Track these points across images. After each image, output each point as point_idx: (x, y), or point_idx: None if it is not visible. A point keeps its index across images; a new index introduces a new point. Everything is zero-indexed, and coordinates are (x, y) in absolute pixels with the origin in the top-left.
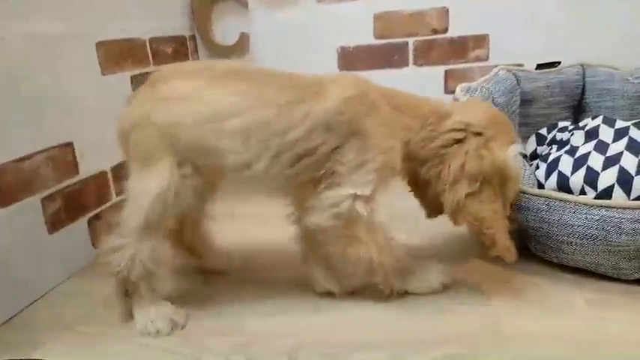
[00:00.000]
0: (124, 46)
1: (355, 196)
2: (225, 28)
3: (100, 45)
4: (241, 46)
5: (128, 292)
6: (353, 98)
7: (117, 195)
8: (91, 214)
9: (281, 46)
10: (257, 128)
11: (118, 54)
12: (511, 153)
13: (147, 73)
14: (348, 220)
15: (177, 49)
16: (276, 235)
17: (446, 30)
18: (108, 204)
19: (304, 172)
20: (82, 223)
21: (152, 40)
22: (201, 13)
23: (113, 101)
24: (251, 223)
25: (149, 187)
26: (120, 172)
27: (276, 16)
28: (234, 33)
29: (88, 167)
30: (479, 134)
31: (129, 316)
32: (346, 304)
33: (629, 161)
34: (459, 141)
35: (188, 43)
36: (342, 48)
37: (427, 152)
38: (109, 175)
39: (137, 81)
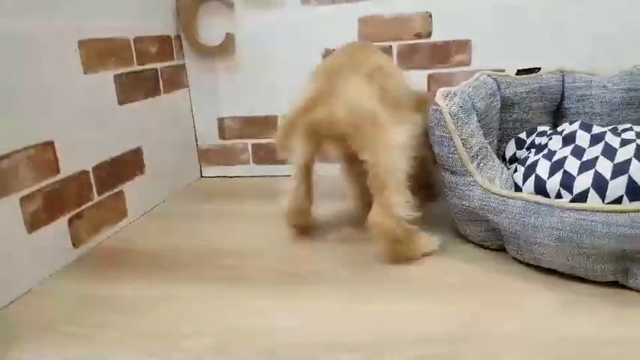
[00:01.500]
0: (107, 45)
1: None
2: (211, 29)
3: (82, 44)
4: (227, 46)
5: (407, 240)
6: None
7: (98, 194)
8: (71, 214)
9: (266, 47)
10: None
11: (100, 53)
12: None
13: (130, 72)
14: None
15: (162, 49)
16: (253, 235)
17: (429, 35)
18: (89, 203)
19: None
20: (62, 222)
21: (136, 40)
22: (187, 13)
23: (95, 100)
24: (229, 223)
25: (400, 144)
26: (102, 171)
27: (262, 17)
28: (220, 33)
29: (69, 166)
30: None
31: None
32: (323, 303)
33: (604, 166)
34: None
35: (173, 42)
36: (327, 50)
37: None
38: (91, 175)
39: (121, 81)
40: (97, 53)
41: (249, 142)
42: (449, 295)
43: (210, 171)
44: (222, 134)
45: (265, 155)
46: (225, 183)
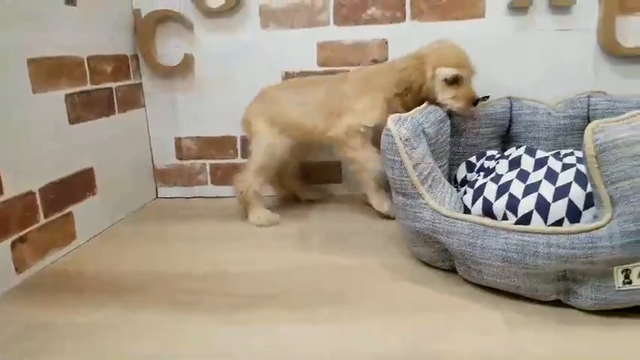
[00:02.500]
0: (58, 63)
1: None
2: (170, 49)
3: (31, 62)
4: (185, 66)
5: (246, 204)
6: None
7: (45, 217)
8: (14, 237)
9: (225, 69)
10: (319, 106)
11: (51, 72)
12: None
13: (82, 92)
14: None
15: (118, 68)
16: (210, 258)
17: (385, 60)
18: (35, 225)
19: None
20: (4, 246)
21: (90, 59)
22: (145, 33)
23: (44, 120)
24: (185, 245)
25: (261, 145)
26: (50, 192)
27: (221, 38)
28: (179, 54)
29: (13, 187)
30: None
31: (244, 216)
32: (280, 326)
33: (546, 189)
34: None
35: (130, 62)
36: (287, 73)
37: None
38: (37, 196)
39: (72, 100)
40: (48, 72)
41: (207, 162)
42: (402, 314)
43: (166, 192)
44: (180, 154)
45: (223, 176)
46: (182, 204)
